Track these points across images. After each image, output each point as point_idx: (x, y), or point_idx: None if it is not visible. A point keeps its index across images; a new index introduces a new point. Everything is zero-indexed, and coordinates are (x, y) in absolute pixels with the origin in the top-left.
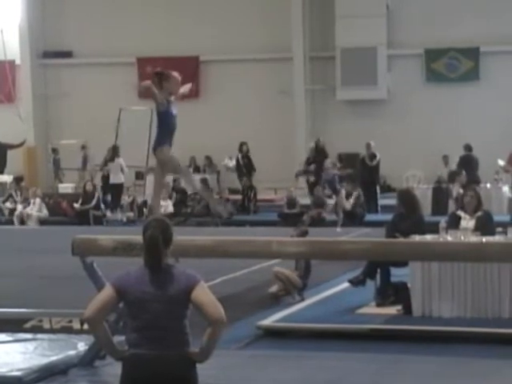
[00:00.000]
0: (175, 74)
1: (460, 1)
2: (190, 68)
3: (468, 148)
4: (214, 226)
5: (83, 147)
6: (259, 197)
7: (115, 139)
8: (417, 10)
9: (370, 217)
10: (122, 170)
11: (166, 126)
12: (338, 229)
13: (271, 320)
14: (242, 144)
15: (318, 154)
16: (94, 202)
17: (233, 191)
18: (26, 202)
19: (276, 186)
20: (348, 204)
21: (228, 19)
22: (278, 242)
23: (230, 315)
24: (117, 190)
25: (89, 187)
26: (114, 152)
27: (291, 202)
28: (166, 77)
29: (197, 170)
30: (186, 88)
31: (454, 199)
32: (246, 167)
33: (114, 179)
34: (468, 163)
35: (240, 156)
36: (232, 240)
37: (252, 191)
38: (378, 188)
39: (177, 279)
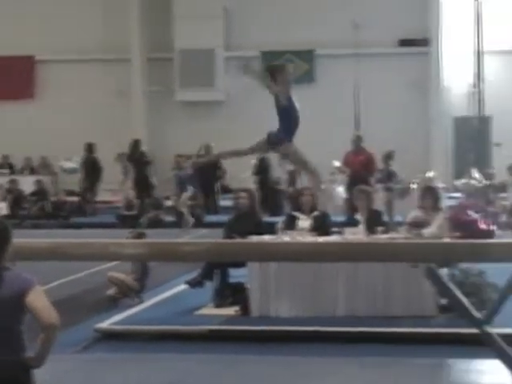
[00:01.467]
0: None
1: (296, 5)
2: (25, 68)
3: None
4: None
5: None
6: (97, 199)
7: None
8: (254, 13)
9: (209, 218)
10: None
11: (288, 121)
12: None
13: (109, 323)
14: (88, 145)
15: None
16: None
17: (70, 193)
18: None
19: (115, 187)
20: (184, 205)
21: (65, 18)
22: (115, 243)
23: (68, 318)
24: None
25: None
26: None
27: (129, 204)
28: (280, 69)
29: (32, 171)
30: None
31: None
32: (90, 168)
33: None
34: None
35: (85, 157)
36: (69, 242)
37: (90, 193)
38: (217, 189)
39: (11, 282)
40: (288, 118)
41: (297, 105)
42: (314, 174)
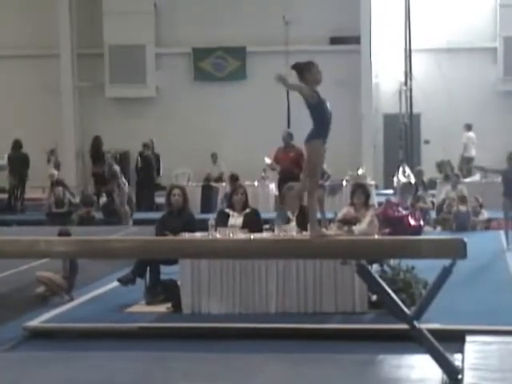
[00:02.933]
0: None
1: (227, 2)
2: None
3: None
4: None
5: None
6: (26, 196)
7: None
8: (185, 9)
9: (144, 215)
10: None
11: (320, 119)
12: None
13: (38, 321)
14: (16, 142)
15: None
16: None
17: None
18: None
19: (44, 184)
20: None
21: None
22: (45, 241)
23: None
24: None
25: None
26: None
27: (59, 201)
28: (307, 66)
29: None
30: None
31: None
32: (17, 165)
33: None
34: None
35: (13, 154)
36: None
37: (19, 190)
38: (153, 186)
39: None
40: (320, 116)
41: (327, 103)
42: (315, 181)
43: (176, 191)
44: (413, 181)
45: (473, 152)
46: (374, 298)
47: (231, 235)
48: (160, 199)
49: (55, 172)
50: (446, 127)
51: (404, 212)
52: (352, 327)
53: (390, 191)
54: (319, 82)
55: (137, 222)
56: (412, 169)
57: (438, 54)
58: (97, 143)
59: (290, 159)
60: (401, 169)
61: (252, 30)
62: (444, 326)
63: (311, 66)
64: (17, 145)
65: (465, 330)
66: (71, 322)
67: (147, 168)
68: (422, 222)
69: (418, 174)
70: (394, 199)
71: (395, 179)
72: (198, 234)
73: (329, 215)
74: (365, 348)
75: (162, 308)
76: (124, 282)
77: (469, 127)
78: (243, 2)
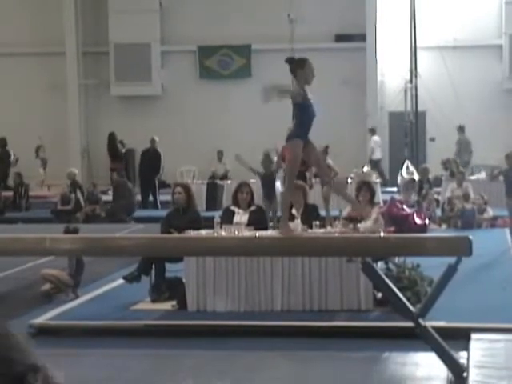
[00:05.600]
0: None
1: (233, 0)
2: None
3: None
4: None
5: None
6: (32, 193)
7: None
8: (190, 7)
9: (149, 212)
10: None
11: (301, 119)
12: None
13: (44, 318)
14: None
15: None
16: None
17: (4, 188)
18: None
19: (50, 182)
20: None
21: None
22: (51, 238)
23: (2, 314)
24: None
25: None
26: None
27: (65, 199)
28: (301, 63)
29: None
30: None
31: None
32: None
33: None
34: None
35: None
36: (4, 237)
37: (23, 188)
38: (156, 183)
39: None
40: (301, 116)
41: (312, 102)
42: (328, 170)
43: (178, 189)
44: (416, 177)
45: (378, 154)
46: (380, 295)
47: (236, 233)
48: (165, 197)
49: (75, 171)
50: (452, 125)
51: (409, 210)
52: (357, 325)
53: (395, 189)
54: (309, 82)
55: (141, 220)
56: (417, 166)
57: (443, 52)
58: (112, 139)
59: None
60: (404, 166)
61: (257, 27)
62: (449, 324)
63: (304, 64)
64: (1, 143)
65: (470, 327)
66: (77, 319)
67: (147, 166)
68: (426, 220)
69: (424, 172)
70: (398, 197)
71: (399, 177)
72: (204, 232)
73: (334, 213)
74: (370, 346)
75: (167, 306)
76: (129, 279)
77: (373, 131)
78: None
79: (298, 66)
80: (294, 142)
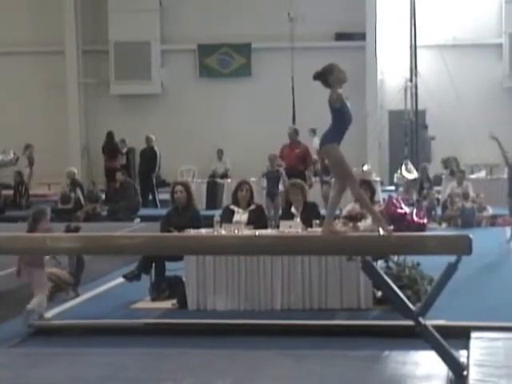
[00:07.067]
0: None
1: None
2: None
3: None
4: None
5: None
6: (32, 192)
7: None
8: (190, 6)
9: (149, 211)
10: None
11: (341, 123)
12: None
13: (44, 317)
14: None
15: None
16: None
17: (5, 186)
18: None
19: (50, 181)
20: None
21: None
22: (51, 237)
23: (2, 313)
24: None
25: None
26: None
27: (65, 198)
28: (328, 70)
29: None
30: None
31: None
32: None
33: None
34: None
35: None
36: (4, 236)
37: (23, 186)
38: (154, 182)
39: None
40: (340, 121)
41: (349, 105)
42: (351, 180)
43: (178, 188)
44: (414, 176)
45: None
46: (379, 294)
47: (236, 231)
48: (165, 196)
49: (74, 170)
50: (452, 124)
51: (407, 209)
52: (357, 323)
53: (394, 187)
54: (344, 81)
55: (141, 219)
56: (417, 165)
57: (443, 51)
58: (111, 138)
59: (296, 155)
60: (403, 165)
61: (257, 26)
62: (449, 323)
63: (332, 68)
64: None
65: (470, 326)
66: (77, 318)
67: (145, 164)
68: (425, 220)
69: (423, 171)
70: (395, 196)
71: (396, 175)
72: (203, 231)
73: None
74: (370, 344)
75: (167, 304)
76: (129, 278)
77: (314, 131)
78: None
79: (328, 74)
80: (330, 146)
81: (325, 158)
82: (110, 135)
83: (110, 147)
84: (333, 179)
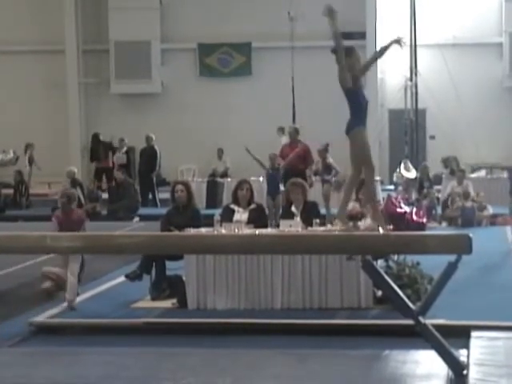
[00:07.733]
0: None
1: None
2: None
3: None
4: None
5: None
6: (32, 191)
7: None
8: (190, 5)
9: (149, 210)
10: None
11: (355, 106)
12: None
13: (44, 316)
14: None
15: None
16: None
17: (5, 185)
18: None
19: (50, 180)
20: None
21: None
22: (51, 236)
23: (2, 312)
24: None
25: None
26: None
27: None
28: (349, 52)
29: None
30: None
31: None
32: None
33: None
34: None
35: None
36: (4, 235)
37: (23, 186)
38: (154, 181)
39: None
40: (354, 103)
41: (363, 88)
42: (369, 166)
43: (179, 187)
44: (413, 175)
45: None
46: (380, 293)
47: (236, 231)
48: (164, 195)
49: (74, 169)
50: (452, 123)
51: (406, 208)
52: (357, 323)
53: (394, 187)
54: (354, 70)
55: (141, 218)
56: (416, 164)
57: (443, 50)
58: (96, 140)
59: (296, 154)
60: (402, 164)
61: (257, 25)
62: (449, 322)
63: (351, 51)
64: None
65: (470, 325)
66: (77, 317)
67: (144, 163)
68: (425, 219)
69: (424, 170)
70: (394, 195)
71: (395, 174)
72: (204, 230)
73: (335, 210)
74: (370, 343)
75: (168, 303)
76: (131, 277)
77: (282, 130)
78: None
79: (346, 55)
80: (356, 130)
81: (326, 158)
82: (95, 137)
83: (97, 147)
84: (333, 178)
